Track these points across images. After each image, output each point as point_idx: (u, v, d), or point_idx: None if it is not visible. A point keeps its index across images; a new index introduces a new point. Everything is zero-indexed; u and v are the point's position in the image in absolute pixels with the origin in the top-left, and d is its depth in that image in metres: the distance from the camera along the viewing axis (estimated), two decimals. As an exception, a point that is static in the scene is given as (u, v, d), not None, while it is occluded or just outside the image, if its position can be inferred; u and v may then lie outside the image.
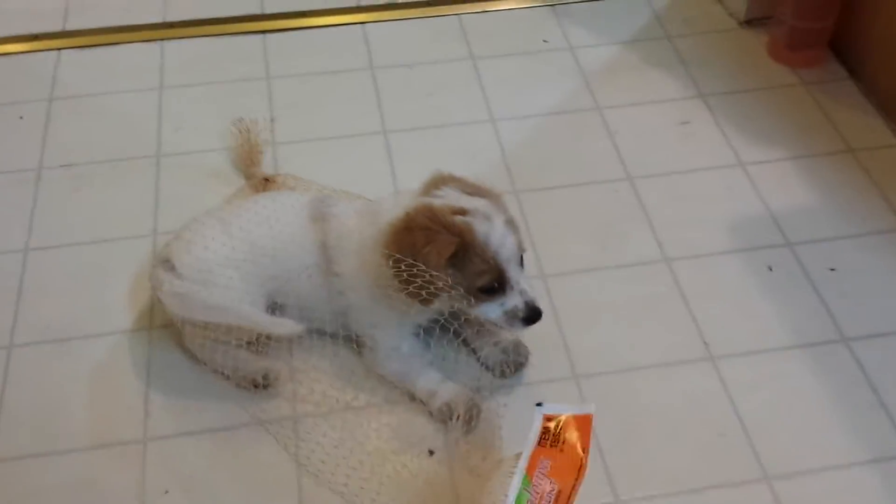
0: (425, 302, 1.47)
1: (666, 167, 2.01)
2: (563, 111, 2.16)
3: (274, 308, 1.62)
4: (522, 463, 1.32)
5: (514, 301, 1.49)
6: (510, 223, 1.51)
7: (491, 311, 1.51)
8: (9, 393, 1.62)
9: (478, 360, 1.63)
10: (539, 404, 1.40)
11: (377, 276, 1.52)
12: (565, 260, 1.82)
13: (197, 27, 2.40)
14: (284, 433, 1.54)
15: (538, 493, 1.30)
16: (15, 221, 1.90)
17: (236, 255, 1.59)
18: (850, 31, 2.21)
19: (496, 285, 1.48)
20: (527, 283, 1.51)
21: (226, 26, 2.41)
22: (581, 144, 2.07)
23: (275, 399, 1.59)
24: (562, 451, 1.35)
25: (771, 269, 1.80)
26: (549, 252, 1.83)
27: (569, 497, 1.32)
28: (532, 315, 1.50)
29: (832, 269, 1.80)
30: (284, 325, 1.55)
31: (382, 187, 1.92)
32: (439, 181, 1.54)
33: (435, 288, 1.45)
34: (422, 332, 1.64)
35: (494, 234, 1.46)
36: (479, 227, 1.46)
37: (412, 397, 1.58)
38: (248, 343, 1.58)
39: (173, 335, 1.66)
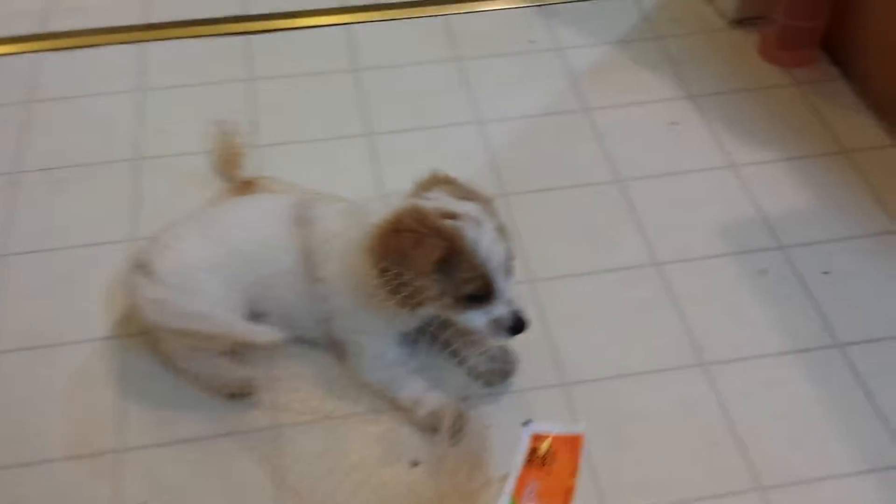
0: (410, 307, 1.43)
1: (656, 169, 1.98)
2: (551, 112, 2.13)
3: (254, 315, 1.58)
4: (510, 485, 1.28)
5: (500, 310, 1.46)
6: (501, 230, 1.47)
7: (476, 319, 1.47)
8: (-19, 402, 1.58)
9: (464, 368, 1.59)
10: (527, 423, 1.37)
11: (362, 281, 1.48)
12: (554, 264, 1.79)
13: (179, 28, 2.37)
14: (262, 446, 1.50)
15: (526, 517, 1.27)
16: (-9, 226, 1.87)
17: (215, 261, 1.55)
18: (843, 30, 2.18)
19: (483, 293, 1.44)
20: (514, 293, 1.47)
21: (208, 27, 2.37)
22: (569, 146, 2.04)
23: (254, 409, 1.55)
24: (550, 473, 1.32)
25: (763, 273, 1.77)
26: (537, 256, 1.79)
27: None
28: (518, 326, 1.47)
29: (826, 273, 1.77)
30: (265, 333, 1.51)
31: (367, 190, 1.90)
32: (434, 182, 1.51)
33: (420, 293, 1.41)
34: (407, 339, 1.60)
35: (484, 241, 1.42)
36: (469, 233, 1.42)
37: (397, 406, 1.55)
38: (227, 351, 1.55)
39: (150, 343, 1.62)
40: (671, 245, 1.82)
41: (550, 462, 1.35)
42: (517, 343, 1.57)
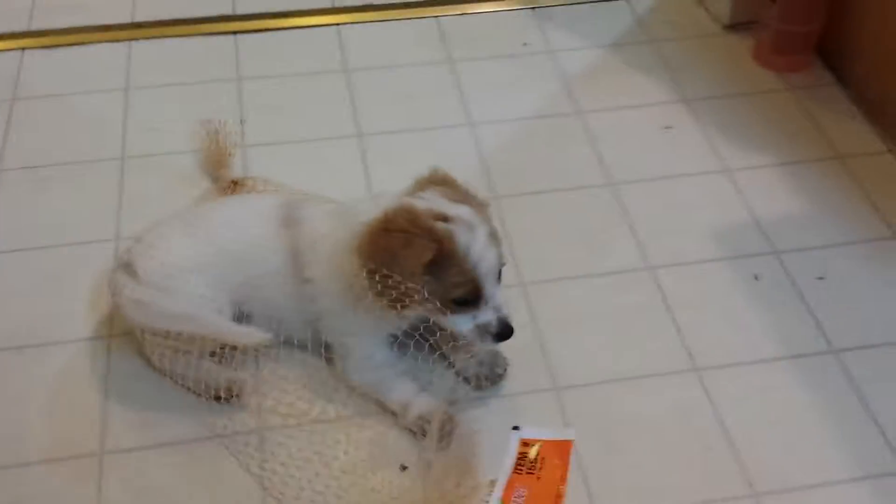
0: (397, 309, 1.41)
1: (649, 173, 1.96)
2: (544, 115, 2.11)
3: (241, 316, 1.55)
4: (498, 491, 1.26)
5: (487, 316, 1.44)
6: (493, 235, 1.45)
7: (462, 323, 1.45)
8: (-41, 403, 1.55)
9: (454, 371, 1.57)
10: (516, 428, 1.34)
11: (351, 282, 1.46)
12: (546, 267, 1.77)
13: (166, 27, 2.35)
14: (248, 450, 1.47)
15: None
16: (-27, 225, 1.84)
17: (201, 261, 1.52)
18: (837, 35, 2.17)
19: (471, 298, 1.42)
20: (502, 299, 1.45)
21: (196, 27, 2.35)
22: (562, 149, 2.03)
23: (240, 412, 1.52)
24: (539, 479, 1.30)
25: (757, 278, 1.75)
26: (529, 259, 1.77)
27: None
28: (503, 332, 1.45)
29: (820, 278, 1.75)
30: (251, 334, 1.48)
31: (357, 192, 1.88)
32: (432, 181, 1.48)
33: (407, 295, 1.38)
34: (396, 341, 1.57)
35: (475, 246, 1.40)
36: (461, 237, 1.39)
37: (385, 410, 1.52)
38: (213, 353, 1.52)
39: (134, 344, 1.59)
40: (664, 249, 1.80)
41: (539, 468, 1.33)
42: (508, 347, 1.55)
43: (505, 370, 1.57)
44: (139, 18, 2.37)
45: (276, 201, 1.62)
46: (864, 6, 2.07)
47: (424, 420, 1.47)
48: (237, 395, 1.52)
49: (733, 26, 2.33)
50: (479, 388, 1.55)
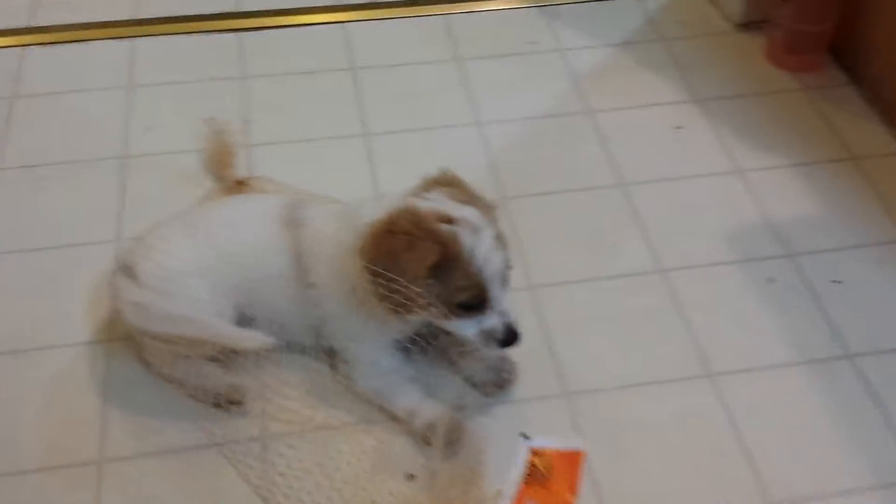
0: (400, 313, 1.37)
1: (660, 173, 1.93)
2: (553, 115, 2.08)
3: (243, 320, 1.52)
4: (506, 502, 1.22)
5: (492, 321, 1.40)
6: (499, 238, 1.41)
7: (467, 328, 1.41)
8: (-46, 409, 1.52)
9: (461, 376, 1.53)
10: (525, 436, 1.31)
11: (355, 285, 1.42)
12: (555, 270, 1.74)
13: (170, 24, 2.32)
14: (249, 459, 1.44)
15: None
16: (-31, 225, 1.81)
17: (202, 263, 1.49)
18: (851, 34, 2.14)
19: (476, 303, 1.39)
20: (508, 304, 1.41)
21: (200, 24, 2.32)
22: (571, 149, 1.99)
23: (242, 418, 1.49)
24: (549, 490, 1.27)
25: (771, 282, 1.72)
26: (537, 261, 1.74)
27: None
28: (509, 338, 1.41)
29: (835, 282, 1.72)
30: (253, 338, 1.45)
31: (362, 192, 1.85)
32: (439, 181, 1.45)
33: (410, 299, 1.35)
34: (403, 346, 1.54)
35: (481, 249, 1.37)
36: (466, 239, 1.36)
37: (391, 416, 1.49)
38: (214, 357, 1.49)
39: (133, 348, 1.56)
40: (675, 251, 1.77)
41: (549, 479, 1.30)
42: (516, 351, 1.51)
43: (513, 375, 1.53)
44: (142, 15, 2.34)
45: (278, 202, 1.59)
46: (879, 5, 2.04)
47: (431, 427, 1.43)
48: (239, 402, 1.49)
49: (745, 25, 2.30)
50: (486, 394, 1.52)
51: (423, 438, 1.45)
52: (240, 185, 1.82)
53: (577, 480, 1.28)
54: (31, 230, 1.80)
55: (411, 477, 1.42)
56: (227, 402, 1.49)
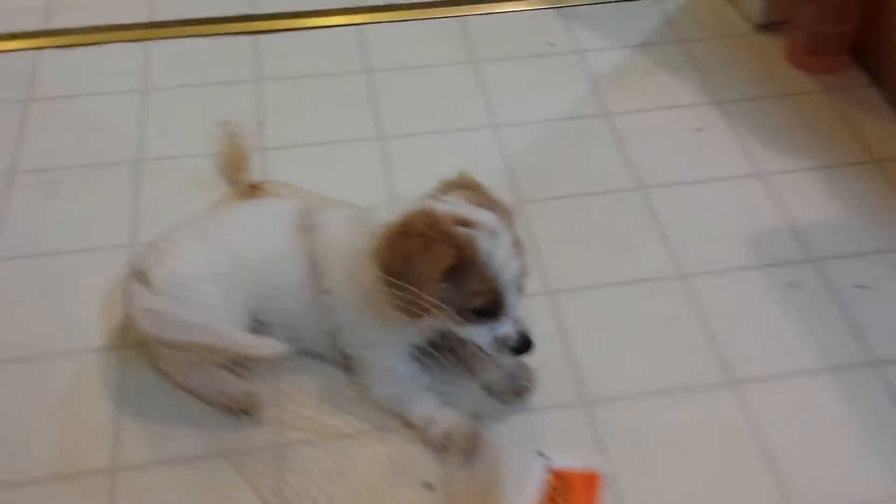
0: (412, 317, 1.35)
1: (680, 176, 1.90)
2: (570, 117, 2.05)
3: (257, 326, 1.50)
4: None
5: (506, 329, 1.37)
6: (517, 244, 1.38)
7: (480, 334, 1.38)
8: (-35, 416, 1.51)
9: (478, 384, 1.51)
10: (541, 455, 1.28)
11: (370, 291, 1.40)
12: (573, 275, 1.71)
13: (184, 27, 2.30)
14: (263, 469, 1.42)
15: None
16: (-20, 230, 1.80)
17: (216, 269, 1.48)
18: (873, 35, 2.11)
19: (491, 309, 1.36)
20: (523, 312, 1.39)
21: (215, 26, 2.31)
22: (589, 152, 1.97)
23: (257, 426, 1.47)
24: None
25: (793, 287, 1.69)
26: (555, 266, 1.72)
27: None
28: (523, 346, 1.38)
29: (859, 287, 1.69)
30: (268, 346, 1.43)
31: (378, 196, 1.82)
32: (457, 184, 1.43)
33: (423, 302, 1.32)
34: (419, 353, 1.51)
35: (498, 254, 1.34)
36: (483, 243, 1.33)
37: (408, 424, 1.47)
38: (228, 365, 1.47)
39: (147, 355, 1.54)
40: (696, 256, 1.74)
41: (565, 500, 1.27)
42: (534, 359, 1.49)
43: (531, 383, 1.51)
44: (156, 18, 2.32)
45: (293, 207, 1.57)
46: (901, 5, 2.01)
47: (448, 436, 1.41)
48: (253, 410, 1.48)
49: (765, 26, 2.27)
50: (504, 402, 1.50)
51: (440, 447, 1.42)
52: (254, 189, 1.81)
53: (594, 502, 1.24)
54: (45, 235, 1.78)
55: (428, 486, 1.40)
56: (242, 410, 1.47)
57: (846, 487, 1.41)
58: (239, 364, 1.47)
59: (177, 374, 1.49)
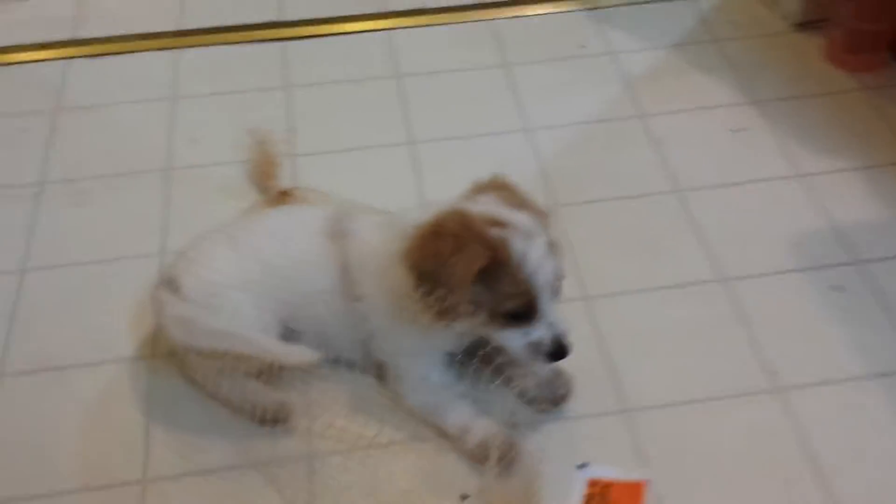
0: (443, 320, 1.31)
1: (717, 178, 1.86)
2: (603, 119, 2.02)
3: (288, 334, 1.48)
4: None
5: (540, 333, 1.34)
6: (553, 246, 1.35)
7: (513, 339, 1.35)
8: (-6, 426, 1.50)
9: (514, 392, 1.48)
10: (582, 466, 1.24)
11: (403, 295, 1.37)
12: (610, 280, 1.68)
13: (213, 35, 2.30)
14: (296, 478, 1.39)
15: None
16: (11, 239, 1.79)
17: (246, 276, 1.46)
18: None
19: (524, 312, 1.32)
20: (559, 315, 1.35)
21: (243, 34, 2.30)
22: (624, 155, 1.93)
23: (288, 436, 1.45)
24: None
25: (837, 290, 1.64)
26: (591, 271, 1.68)
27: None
28: (558, 352, 1.34)
29: (905, 290, 1.64)
30: (299, 353, 1.41)
31: (408, 202, 1.80)
32: (491, 186, 1.39)
33: (455, 305, 1.29)
34: (453, 360, 1.48)
35: (532, 255, 1.30)
36: (517, 245, 1.30)
37: (442, 434, 1.43)
38: (259, 373, 1.44)
39: (177, 364, 1.52)
40: (735, 259, 1.70)
41: None
42: (571, 366, 1.45)
43: (569, 391, 1.47)
44: (185, 26, 2.32)
45: (323, 213, 1.54)
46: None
47: (484, 446, 1.38)
48: (285, 419, 1.45)
49: (802, 25, 2.22)
50: (540, 410, 1.46)
51: (476, 457, 1.39)
52: (284, 196, 1.79)
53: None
54: (74, 244, 1.77)
55: (465, 498, 1.36)
56: (273, 420, 1.45)
57: (894, 496, 1.36)
58: (270, 373, 1.44)
59: (207, 384, 1.47)
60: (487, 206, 1.34)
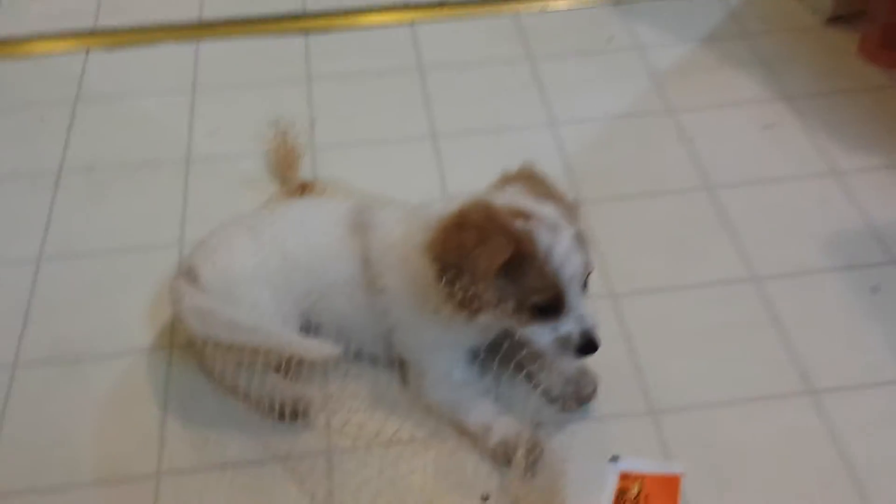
0: (467, 313, 1.28)
1: (749, 175, 1.82)
2: (632, 114, 1.98)
3: (308, 327, 1.44)
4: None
5: (569, 327, 1.29)
6: (580, 237, 1.30)
7: (541, 334, 1.31)
8: (10, 417, 1.47)
9: (538, 390, 1.43)
10: (615, 459, 1.19)
11: (426, 288, 1.33)
12: (637, 278, 1.63)
13: (234, 26, 2.27)
14: (314, 474, 1.36)
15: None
16: (28, 229, 1.77)
17: (266, 268, 1.43)
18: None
19: (551, 306, 1.28)
20: (587, 309, 1.31)
21: (265, 25, 2.27)
22: (652, 150, 1.89)
23: (307, 431, 1.42)
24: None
25: (875, 290, 1.59)
26: (618, 268, 1.64)
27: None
28: (587, 346, 1.30)
29: (945, 291, 1.59)
30: (319, 347, 1.37)
31: (431, 195, 1.74)
32: (519, 177, 1.36)
33: (479, 298, 1.25)
34: (476, 356, 1.44)
35: (559, 248, 1.26)
36: (542, 237, 1.26)
37: (464, 432, 1.40)
38: (278, 367, 1.42)
39: (195, 356, 1.49)
40: (769, 258, 1.65)
41: None
42: (597, 364, 1.42)
43: (594, 390, 1.43)
44: (206, 17, 2.29)
45: (345, 206, 1.51)
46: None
47: (507, 445, 1.34)
48: (303, 414, 1.42)
49: (834, 19, 2.17)
50: (565, 409, 1.42)
51: (497, 456, 1.35)
52: (305, 188, 1.76)
53: (677, 504, 1.17)
54: (92, 234, 1.75)
55: (486, 498, 1.32)
56: (291, 414, 1.41)
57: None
58: (289, 366, 1.41)
59: (225, 376, 1.44)
60: (513, 198, 1.30)
